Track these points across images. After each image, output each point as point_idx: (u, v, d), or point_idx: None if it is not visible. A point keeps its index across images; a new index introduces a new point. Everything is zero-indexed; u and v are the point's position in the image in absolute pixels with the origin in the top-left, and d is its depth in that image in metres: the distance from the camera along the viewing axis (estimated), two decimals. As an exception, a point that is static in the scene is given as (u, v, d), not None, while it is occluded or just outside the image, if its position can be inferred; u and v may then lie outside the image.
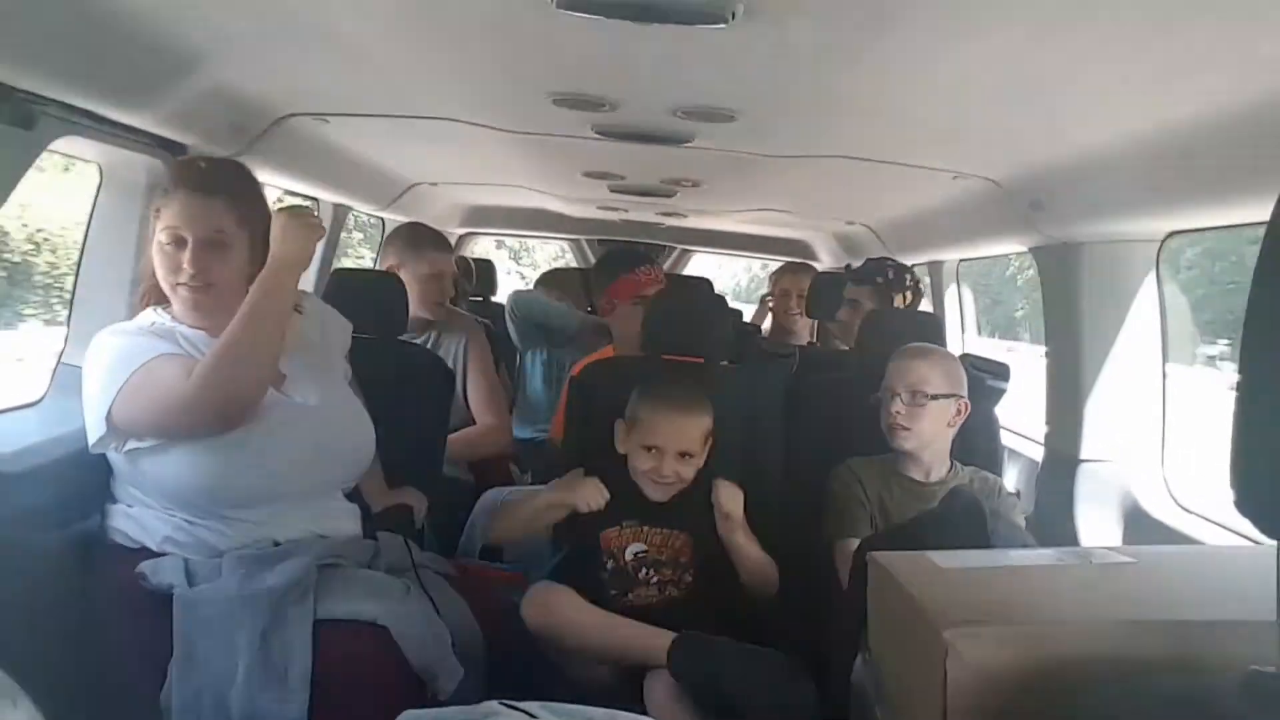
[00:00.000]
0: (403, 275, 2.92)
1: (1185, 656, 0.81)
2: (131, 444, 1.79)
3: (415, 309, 3.10)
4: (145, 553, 1.80)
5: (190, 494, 1.82)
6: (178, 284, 1.83)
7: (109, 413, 1.74)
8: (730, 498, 2.18)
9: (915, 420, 2.24)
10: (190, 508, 1.83)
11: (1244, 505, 0.72)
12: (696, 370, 2.61)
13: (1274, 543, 0.73)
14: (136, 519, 1.84)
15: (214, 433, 1.77)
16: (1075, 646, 0.85)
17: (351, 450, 2.04)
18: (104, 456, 1.87)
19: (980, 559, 1.10)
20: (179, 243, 1.81)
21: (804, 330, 4.03)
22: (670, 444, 2.15)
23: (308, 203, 3.65)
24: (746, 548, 2.18)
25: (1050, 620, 0.88)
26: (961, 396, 2.29)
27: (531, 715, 1.09)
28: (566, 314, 3.70)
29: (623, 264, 3.13)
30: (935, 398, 2.24)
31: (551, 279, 4.70)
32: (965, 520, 1.92)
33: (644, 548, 2.18)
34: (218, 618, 1.70)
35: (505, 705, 1.11)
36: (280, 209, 1.90)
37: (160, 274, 1.84)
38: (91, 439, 1.78)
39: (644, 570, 2.18)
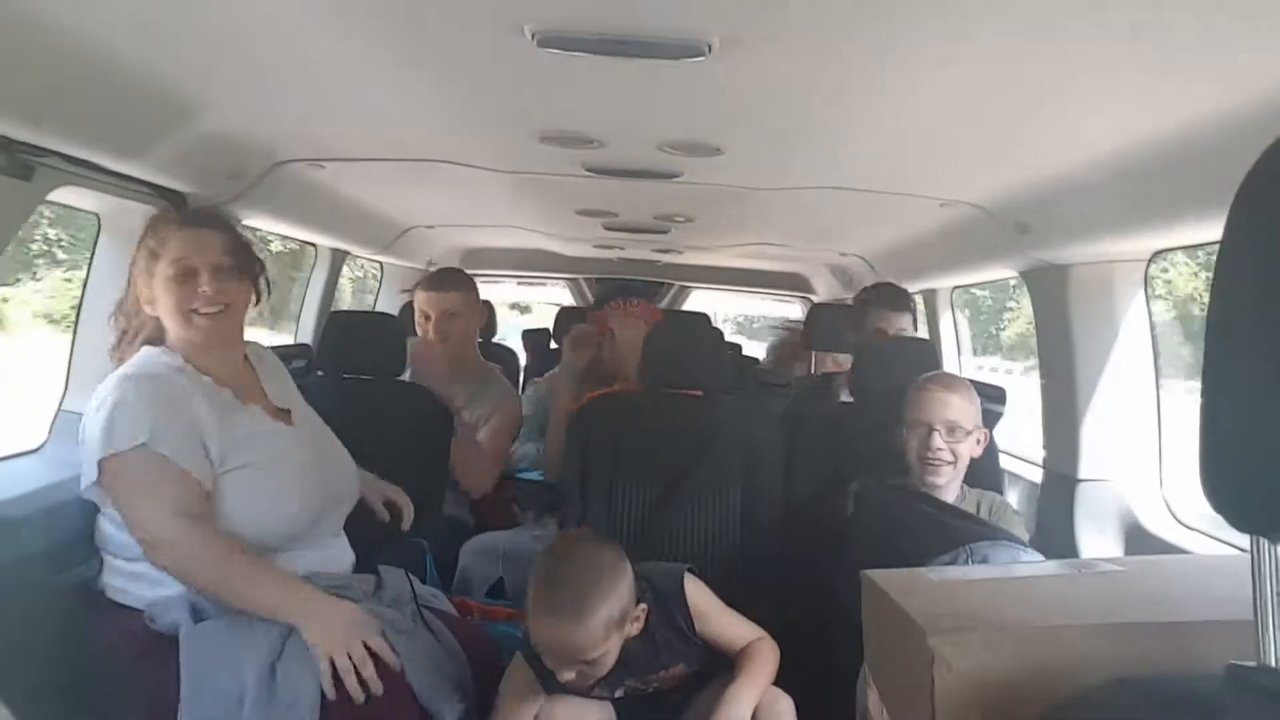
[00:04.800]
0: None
1: (1169, 656, 0.81)
2: None
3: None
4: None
5: None
6: (194, 310, 1.85)
7: (98, 478, 1.75)
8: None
9: (954, 455, 2.23)
10: None
11: (1215, 501, 0.73)
12: (694, 403, 2.63)
13: None
14: (141, 576, 1.81)
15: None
16: (1061, 650, 0.85)
17: (349, 484, 2.07)
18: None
19: (970, 573, 1.11)
20: (190, 272, 1.84)
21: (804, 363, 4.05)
22: (558, 656, 1.74)
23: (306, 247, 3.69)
24: (759, 689, 1.85)
25: (1036, 626, 0.89)
26: (984, 429, 2.30)
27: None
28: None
29: (606, 300, 3.30)
30: (970, 432, 2.25)
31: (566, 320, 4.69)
32: None
33: (623, 692, 1.90)
34: (224, 649, 1.69)
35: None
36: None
37: (172, 304, 1.85)
38: (83, 484, 1.79)
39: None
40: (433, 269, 3.72)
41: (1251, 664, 0.72)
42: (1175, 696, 0.71)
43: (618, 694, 1.89)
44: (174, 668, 1.70)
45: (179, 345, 1.89)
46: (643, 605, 1.81)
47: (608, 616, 1.72)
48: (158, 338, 1.91)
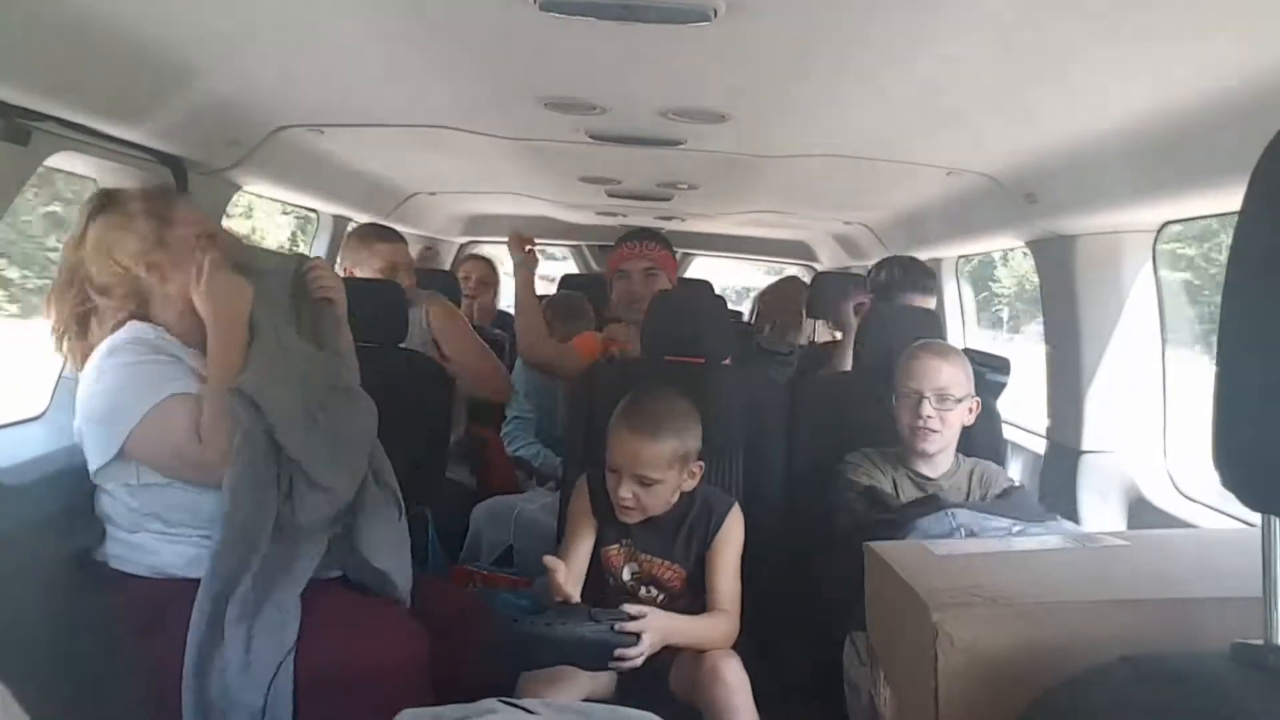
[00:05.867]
0: (356, 274, 2.98)
1: (1174, 633, 0.81)
2: (154, 477, 1.81)
3: None
4: (146, 579, 1.82)
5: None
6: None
7: (122, 448, 1.75)
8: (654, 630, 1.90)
9: (943, 423, 2.24)
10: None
11: (1227, 480, 0.73)
12: (697, 370, 2.62)
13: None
14: (141, 546, 1.83)
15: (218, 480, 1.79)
16: (1064, 626, 0.85)
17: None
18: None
19: (974, 546, 1.11)
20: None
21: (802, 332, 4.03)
22: (626, 466, 2.01)
23: (309, 213, 3.67)
24: (691, 637, 1.99)
25: (1039, 601, 0.89)
26: (975, 396, 2.30)
27: (530, 711, 1.09)
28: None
29: (623, 241, 3.22)
30: (960, 400, 2.24)
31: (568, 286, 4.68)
32: None
33: (638, 569, 2.11)
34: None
35: (504, 702, 1.11)
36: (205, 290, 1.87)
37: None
38: (93, 466, 1.78)
39: (643, 589, 2.12)
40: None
41: (1258, 642, 0.72)
42: (1180, 674, 0.70)
43: (626, 575, 2.06)
44: (176, 632, 1.73)
45: (174, 322, 1.89)
46: (701, 463, 2.09)
47: (677, 445, 2.01)
48: (137, 316, 1.89)
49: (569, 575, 1.97)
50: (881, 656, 1.07)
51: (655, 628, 1.89)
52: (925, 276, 3.25)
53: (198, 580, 1.77)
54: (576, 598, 1.95)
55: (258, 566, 1.76)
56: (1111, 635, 0.82)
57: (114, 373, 1.79)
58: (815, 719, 1.94)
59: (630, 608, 1.90)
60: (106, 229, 1.84)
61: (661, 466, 2.01)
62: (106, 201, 1.87)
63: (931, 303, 3.22)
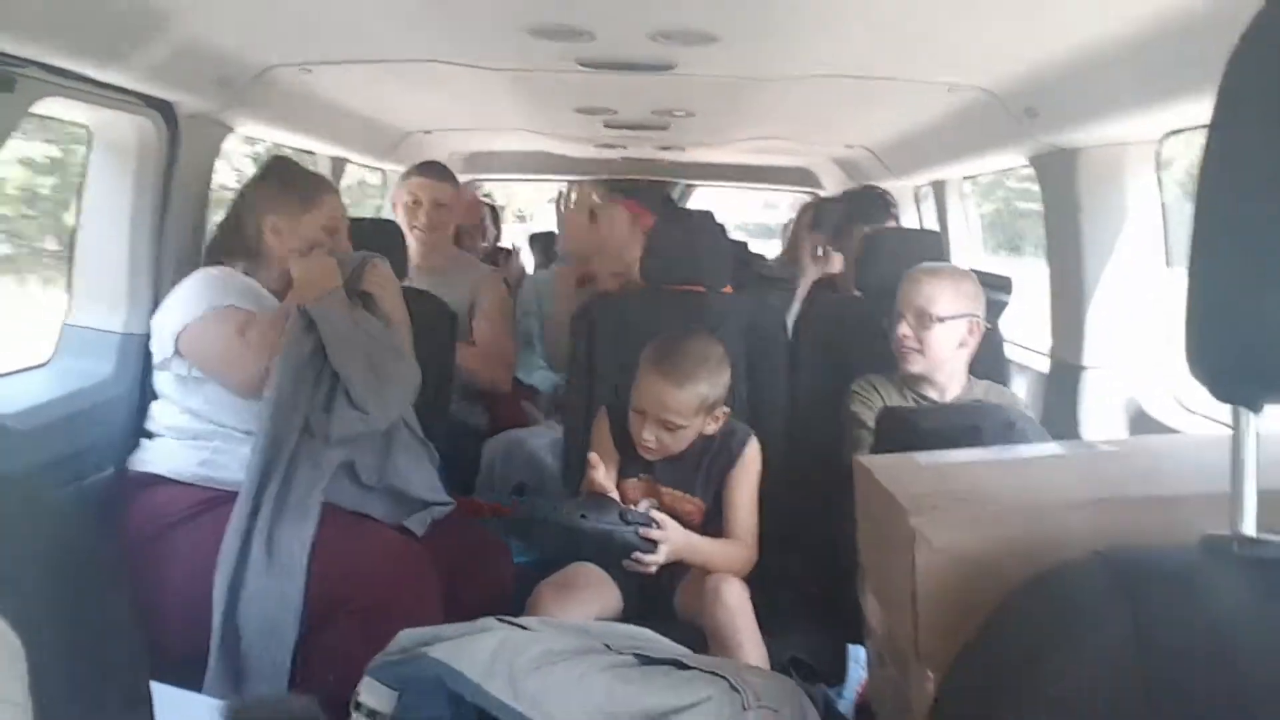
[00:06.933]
0: (396, 211, 3.02)
1: (1153, 530, 0.82)
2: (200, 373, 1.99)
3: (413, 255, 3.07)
4: (162, 482, 1.95)
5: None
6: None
7: (176, 341, 1.97)
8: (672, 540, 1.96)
9: (922, 343, 2.23)
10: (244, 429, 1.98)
11: (1197, 372, 0.73)
12: (698, 299, 2.62)
13: None
14: (167, 450, 1.98)
15: (252, 394, 1.95)
16: (1043, 525, 0.86)
17: None
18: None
19: (961, 456, 1.11)
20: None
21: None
22: (651, 410, 2.03)
23: (306, 155, 3.65)
24: (705, 557, 2.03)
25: (1019, 502, 0.90)
26: (974, 315, 2.27)
27: (527, 628, 1.12)
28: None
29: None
30: (943, 319, 2.22)
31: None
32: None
33: (656, 504, 2.11)
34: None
35: (501, 620, 1.13)
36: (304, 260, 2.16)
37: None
38: (157, 359, 2.01)
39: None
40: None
41: (1226, 534, 0.73)
42: (1149, 566, 0.72)
43: (642, 509, 2.04)
44: (192, 533, 1.88)
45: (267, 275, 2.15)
46: (726, 409, 2.11)
47: (704, 393, 2.02)
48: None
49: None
50: (868, 566, 1.09)
51: (673, 540, 1.95)
52: (876, 208, 3.28)
53: (204, 486, 1.94)
54: (615, 494, 2.03)
55: (284, 468, 1.89)
56: (1092, 533, 0.83)
57: (194, 280, 2.05)
58: (818, 646, 1.97)
59: (656, 514, 1.96)
60: (267, 197, 2.16)
61: (688, 414, 2.03)
62: (274, 173, 2.23)
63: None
